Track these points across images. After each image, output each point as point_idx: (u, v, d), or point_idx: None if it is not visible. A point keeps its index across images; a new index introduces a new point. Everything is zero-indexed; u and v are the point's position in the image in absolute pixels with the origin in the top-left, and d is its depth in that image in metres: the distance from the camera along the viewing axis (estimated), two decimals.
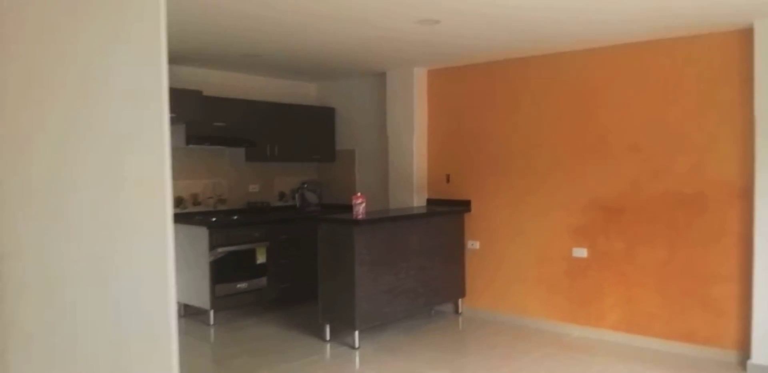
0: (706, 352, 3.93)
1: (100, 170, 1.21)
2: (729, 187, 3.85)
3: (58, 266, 1.09)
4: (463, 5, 3.31)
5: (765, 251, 3.60)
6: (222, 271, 4.84)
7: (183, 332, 4.59)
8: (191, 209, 5.28)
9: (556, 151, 4.58)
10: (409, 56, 4.80)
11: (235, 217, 5.23)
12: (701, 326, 3.97)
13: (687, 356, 3.97)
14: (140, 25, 1.26)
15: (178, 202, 5.21)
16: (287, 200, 6.12)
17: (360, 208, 4.32)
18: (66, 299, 1.10)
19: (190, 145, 4.96)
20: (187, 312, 5.08)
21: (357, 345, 4.22)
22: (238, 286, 4.96)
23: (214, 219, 4.99)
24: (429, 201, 5.34)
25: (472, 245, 5.09)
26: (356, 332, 4.22)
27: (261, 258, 5.16)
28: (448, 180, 5.22)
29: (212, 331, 4.77)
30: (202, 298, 4.83)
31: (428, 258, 4.77)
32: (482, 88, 5.00)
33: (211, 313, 4.85)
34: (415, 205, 5.31)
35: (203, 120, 4.94)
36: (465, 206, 5.08)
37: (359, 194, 4.42)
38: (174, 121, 4.36)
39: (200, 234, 4.78)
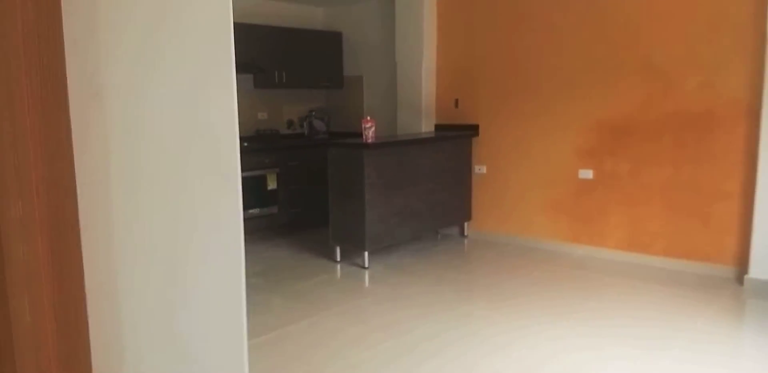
0: (705, 268, 4.06)
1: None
2: (737, 105, 3.84)
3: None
4: None
5: None
6: None
7: None
8: None
9: (566, 71, 4.54)
10: None
11: (245, 144, 5.29)
12: (702, 243, 4.08)
13: (687, 272, 4.10)
14: None
15: None
16: (295, 128, 6.16)
17: (369, 132, 4.35)
18: None
19: None
20: None
21: (367, 265, 4.37)
22: (250, 211, 5.09)
23: None
24: (437, 126, 5.36)
25: (479, 169, 5.16)
26: (366, 253, 4.37)
27: (272, 184, 5.26)
28: (456, 105, 5.21)
29: None
30: None
31: (436, 182, 4.85)
32: (491, 9, 4.89)
33: None
34: (423, 130, 5.34)
35: None
36: (473, 130, 5.10)
37: (368, 118, 4.44)
38: None
39: None
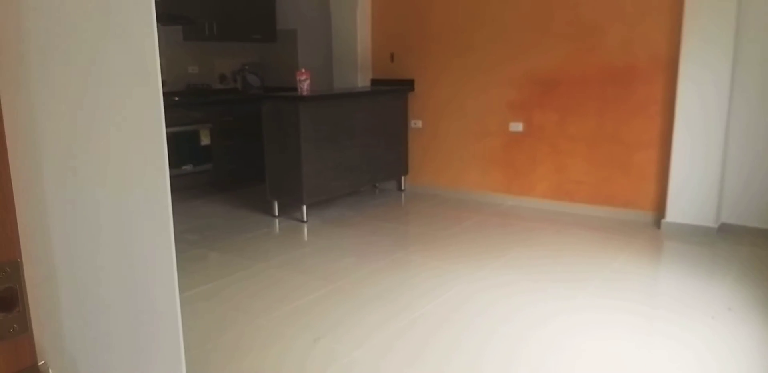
0: (626, 214, 4.32)
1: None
2: (657, 59, 4.02)
3: None
4: None
5: (685, 118, 3.87)
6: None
7: None
8: None
9: (497, 26, 4.60)
10: None
11: (176, 98, 5.14)
12: (622, 190, 4.32)
13: (608, 218, 4.35)
14: None
15: None
16: (228, 82, 6.01)
17: (305, 85, 4.32)
18: None
19: None
20: None
21: (305, 219, 4.41)
22: (183, 168, 4.99)
23: None
24: (373, 81, 5.36)
25: (415, 124, 5.22)
26: (304, 207, 4.40)
27: (205, 140, 5.16)
28: (392, 59, 5.21)
29: None
30: None
31: (372, 137, 4.88)
32: None
33: None
34: (359, 85, 5.33)
35: None
36: (409, 85, 5.14)
37: (303, 70, 4.39)
38: None
39: None
